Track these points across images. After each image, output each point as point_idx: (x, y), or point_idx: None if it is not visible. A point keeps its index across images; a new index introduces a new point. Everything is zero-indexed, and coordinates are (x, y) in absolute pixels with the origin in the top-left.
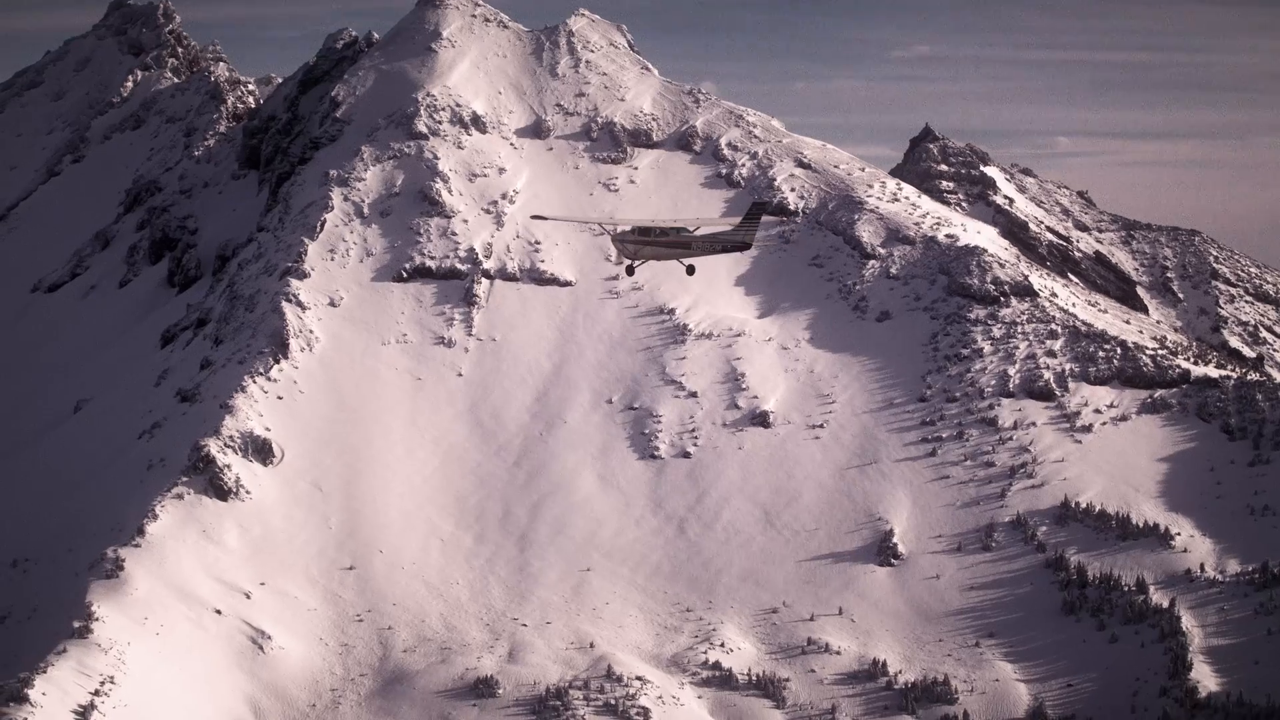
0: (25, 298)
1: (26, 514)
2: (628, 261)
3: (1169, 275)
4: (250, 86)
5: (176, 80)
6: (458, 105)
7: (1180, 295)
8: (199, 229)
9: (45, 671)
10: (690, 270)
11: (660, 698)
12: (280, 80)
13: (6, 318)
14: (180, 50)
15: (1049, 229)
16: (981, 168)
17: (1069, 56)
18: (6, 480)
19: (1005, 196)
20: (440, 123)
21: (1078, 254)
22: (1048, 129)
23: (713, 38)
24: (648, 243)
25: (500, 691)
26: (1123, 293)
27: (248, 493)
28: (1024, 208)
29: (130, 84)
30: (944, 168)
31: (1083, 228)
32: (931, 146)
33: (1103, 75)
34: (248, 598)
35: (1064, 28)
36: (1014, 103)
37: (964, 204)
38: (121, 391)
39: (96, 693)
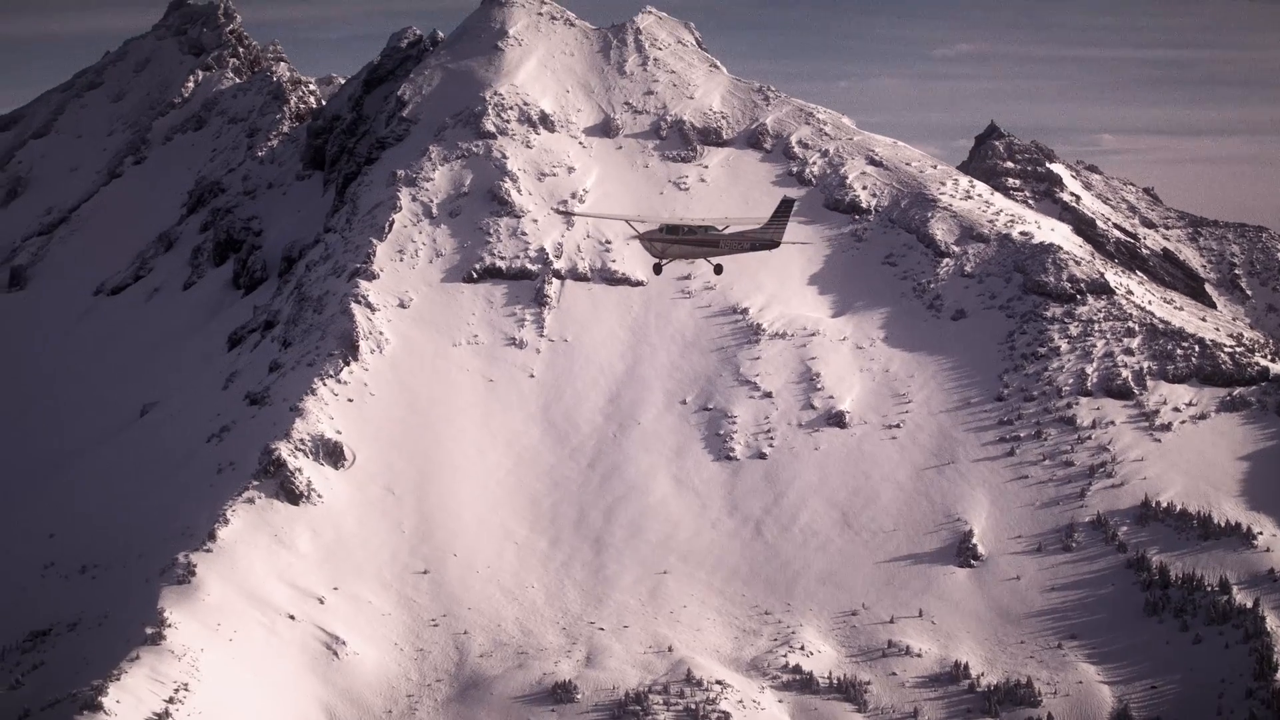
0: (88, 300)
1: (94, 519)
2: (655, 260)
3: (1237, 272)
4: (311, 86)
5: (238, 80)
6: (525, 104)
7: (1249, 292)
8: (263, 230)
9: (119, 679)
10: (718, 269)
11: (741, 702)
12: (342, 80)
13: (69, 321)
14: (241, 50)
15: (1116, 226)
16: (1047, 165)
17: (1112, 54)
18: (73, 485)
19: (1072, 193)
20: (508, 121)
21: (1145, 251)
22: (1091, 126)
23: (753, 36)
24: (675, 241)
25: (579, 696)
26: (1191, 290)
27: (319, 496)
28: (1090, 204)
29: (191, 84)
30: (1010, 165)
31: (1149, 224)
32: (997, 144)
33: (1146, 72)
34: (321, 603)
35: (1106, 24)
36: (1057, 100)
37: (1030, 201)
38: (189, 395)
39: (171, 700)
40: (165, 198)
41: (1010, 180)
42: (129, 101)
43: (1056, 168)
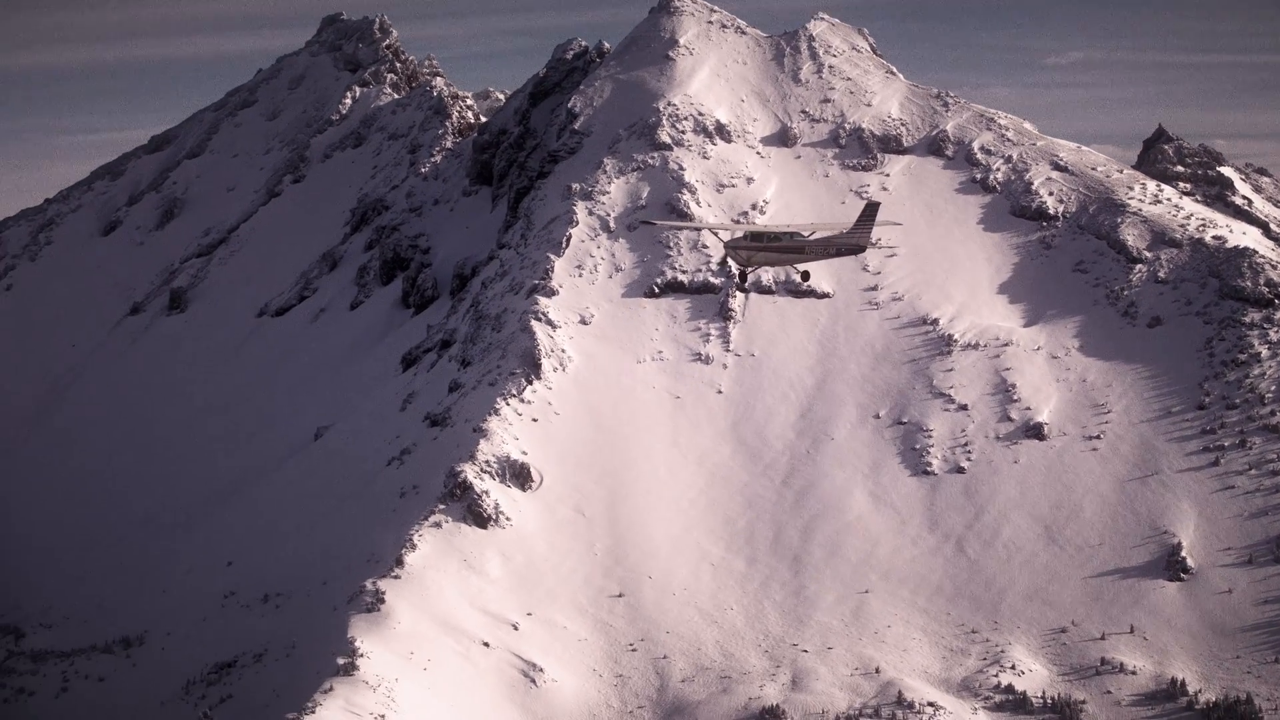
0: (251, 322)
1: (273, 546)
2: (739, 269)
3: None
4: (469, 101)
5: (396, 96)
6: (700, 114)
7: None
8: (431, 247)
9: (314, 711)
10: (805, 276)
11: None
12: (500, 94)
13: (233, 343)
14: (399, 65)
15: None
16: (1217, 168)
17: (1224, 59)
18: (249, 511)
19: (1243, 197)
20: (684, 132)
21: None
22: (1205, 132)
23: None
24: (761, 249)
25: None
26: None
27: (508, 519)
28: (1263, 208)
29: (349, 101)
30: (1180, 169)
31: None
32: (1166, 148)
33: (1259, 77)
34: (515, 629)
35: (1219, 30)
36: (1170, 106)
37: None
38: (364, 417)
39: None
40: (326, 216)
41: (1181, 185)
42: (284, 119)
43: (1226, 171)
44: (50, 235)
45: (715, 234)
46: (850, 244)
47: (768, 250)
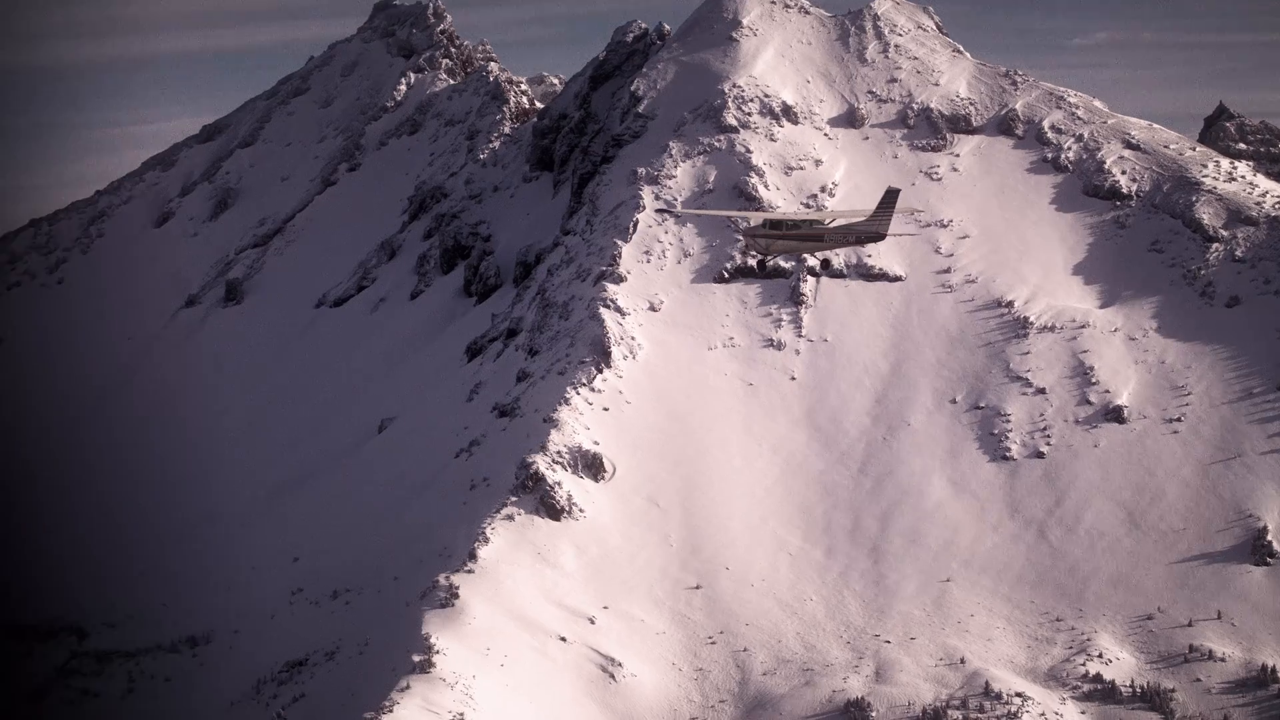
0: (309, 313)
1: (340, 541)
2: (759, 256)
3: None
4: (523, 86)
5: (451, 82)
6: (766, 95)
7: None
8: (492, 235)
9: (392, 710)
10: (825, 264)
11: (1043, 715)
12: (554, 79)
13: (291, 334)
14: (454, 50)
15: None
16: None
17: (1252, 39)
18: (313, 506)
19: None
20: (750, 114)
21: None
22: (1242, 112)
23: None
24: (780, 236)
25: (873, 714)
26: None
27: (581, 511)
28: None
29: (404, 87)
30: (1243, 146)
31: None
32: (1229, 125)
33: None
34: (592, 623)
35: (1245, 9)
36: (1197, 87)
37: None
38: (429, 408)
39: None
40: (383, 204)
41: (1243, 162)
42: (338, 107)
43: None
44: (102, 227)
45: (733, 222)
46: (870, 232)
47: (786, 238)
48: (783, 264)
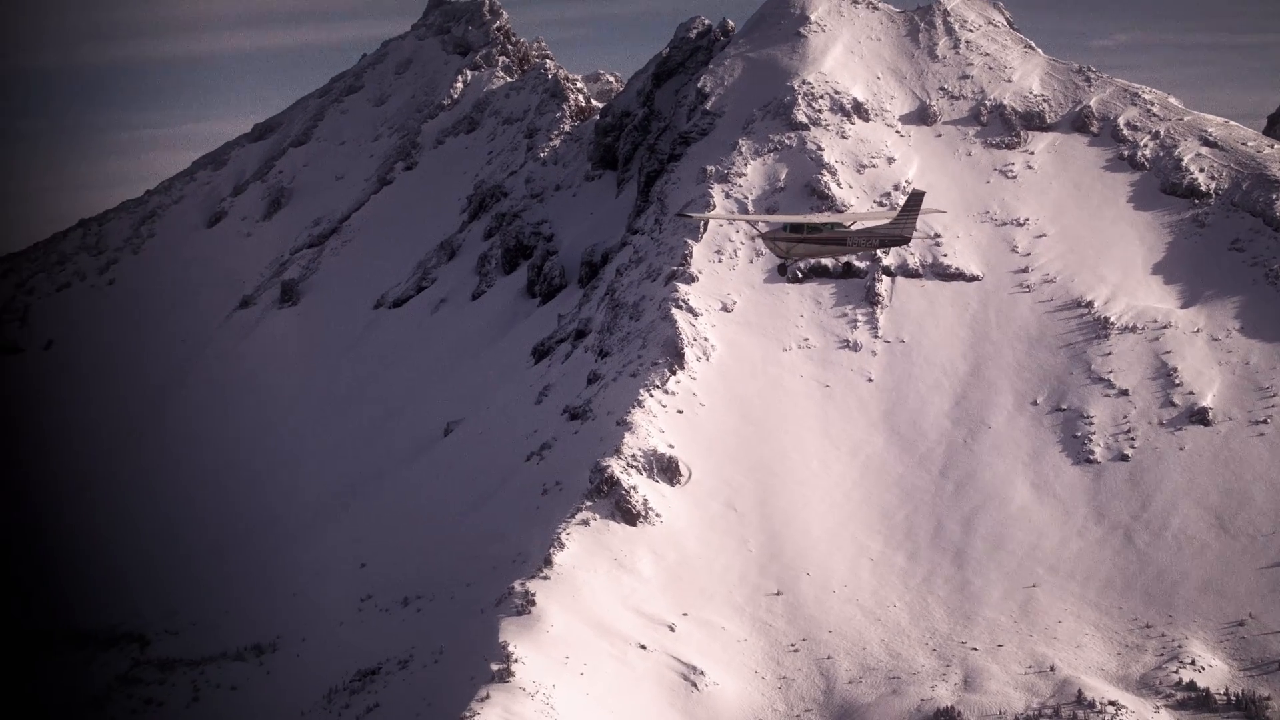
0: (368, 314)
1: (408, 547)
2: (780, 260)
3: None
4: (578, 84)
5: (509, 79)
6: (836, 92)
7: None
8: (554, 234)
9: None
10: (847, 268)
11: None
12: (610, 77)
13: (350, 336)
14: (510, 48)
15: None
16: None
17: (1272, 39)
18: (378, 511)
19: None
20: (820, 111)
21: None
22: (1253, 113)
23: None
24: (800, 240)
25: None
26: None
27: (657, 515)
28: None
29: (460, 85)
30: None
31: None
32: None
33: None
34: (672, 630)
35: (1268, 10)
36: (1217, 87)
37: None
38: (496, 411)
39: None
40: (441, 203)
41: None
42: (393, 105)
43: None
44: (153, 227)
45: (754, 226)
46: (894, 235)
47: (808, 242)
48: (857, 263)
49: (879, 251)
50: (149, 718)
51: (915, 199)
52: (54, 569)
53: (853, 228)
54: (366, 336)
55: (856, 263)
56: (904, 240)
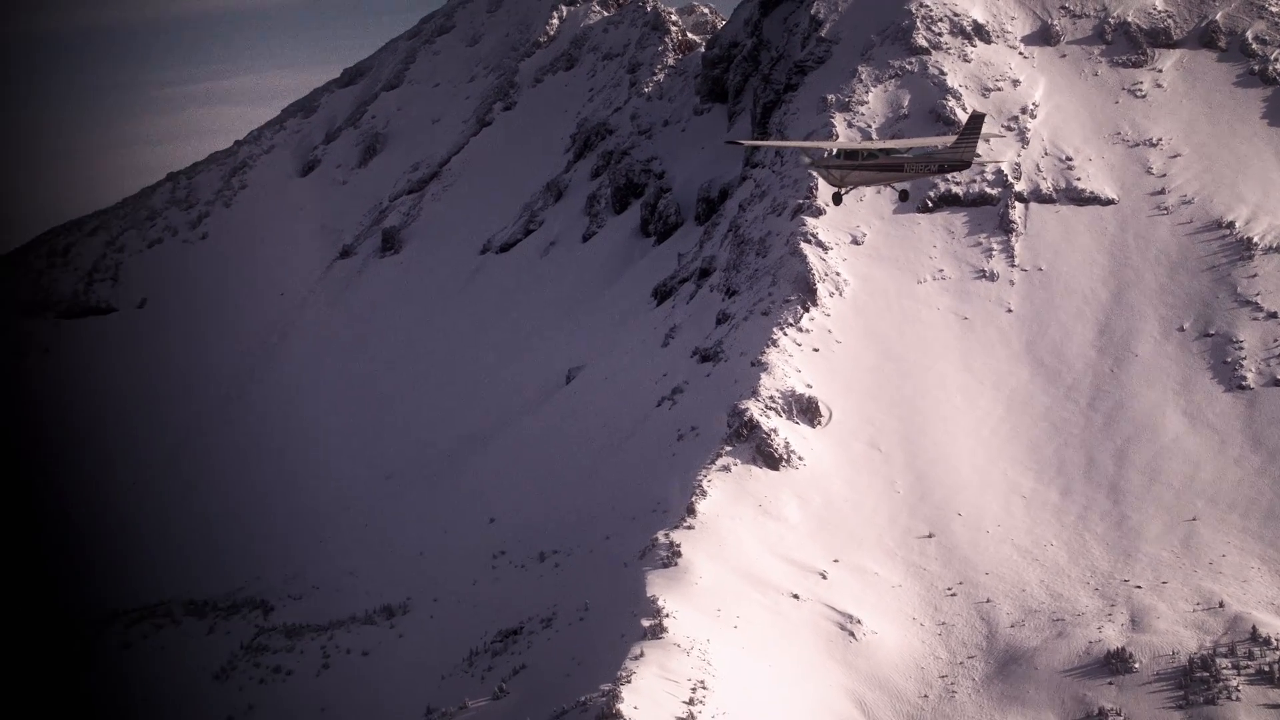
0: (474, 260)
1: (537, 500)
2: (834, 189)
3: None
4: (674, 17)
5: (605, 14)
6: (955, 15)
7: None
8: (665, 171)
9: (629, 680)
10: (903, 195)
11: None
12: (706, 9)
13: (457, 284)
14: None
15: None
16: None
17: None
18: (503, 463)
19: None
20: (940, 35)
21: None
22: None
23: None
24: (855, 167)
25: (1137, 665)
26: None
27: (800, 459)
28: None
29: (555, 21)
30: None
31: None
32: None
33: None
34: (823, 578)
35: None
36: None
37: None
38: (620, 356)
39: (690, 700)
40: (544, 144)
41: None
42: (487, 44)
43: None
44: (244, 179)
45: (804, 152)
46: (954, 159)
47: (863, 169)
48: (989, 191)
49: (977, 174)
50: (279, 689)
51: (975, 121)
52: (164, 536)
53: (908, 153)
54: (474, 282)
55: (989, 190)
56: (965, 164)
